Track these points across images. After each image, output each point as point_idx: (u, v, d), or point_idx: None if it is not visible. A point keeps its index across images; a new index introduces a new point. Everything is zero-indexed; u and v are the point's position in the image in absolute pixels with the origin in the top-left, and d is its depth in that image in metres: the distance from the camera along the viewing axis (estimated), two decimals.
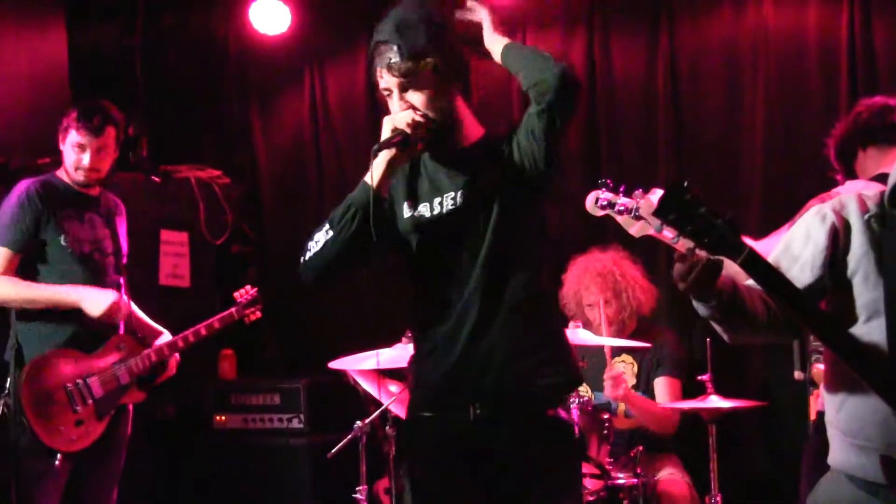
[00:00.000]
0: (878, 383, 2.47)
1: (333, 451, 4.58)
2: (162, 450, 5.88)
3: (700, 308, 2.58)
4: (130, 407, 4.63)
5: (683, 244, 2.43)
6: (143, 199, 5.85)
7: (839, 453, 2.65)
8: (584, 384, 5.16)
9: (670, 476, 4.90)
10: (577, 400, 4.34)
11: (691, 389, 4.90)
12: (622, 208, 3.56)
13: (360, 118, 6.67)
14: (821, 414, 3.12)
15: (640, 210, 3.64)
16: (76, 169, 4.49)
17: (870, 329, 2.55)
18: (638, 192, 3.61)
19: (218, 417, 6.05)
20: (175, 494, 5.94)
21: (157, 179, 6.20)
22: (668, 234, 2.47)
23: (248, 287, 4.85)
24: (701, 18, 5.86)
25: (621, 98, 6.05)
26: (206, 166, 6.63)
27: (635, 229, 3.79)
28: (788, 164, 5.54)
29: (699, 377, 4.59)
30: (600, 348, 4.98)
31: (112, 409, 4.45)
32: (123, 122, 4.63)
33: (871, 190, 2.76)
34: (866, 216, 2.61)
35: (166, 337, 4.68)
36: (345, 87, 6.73)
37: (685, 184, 2.37)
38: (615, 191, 3.65)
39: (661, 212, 2.37)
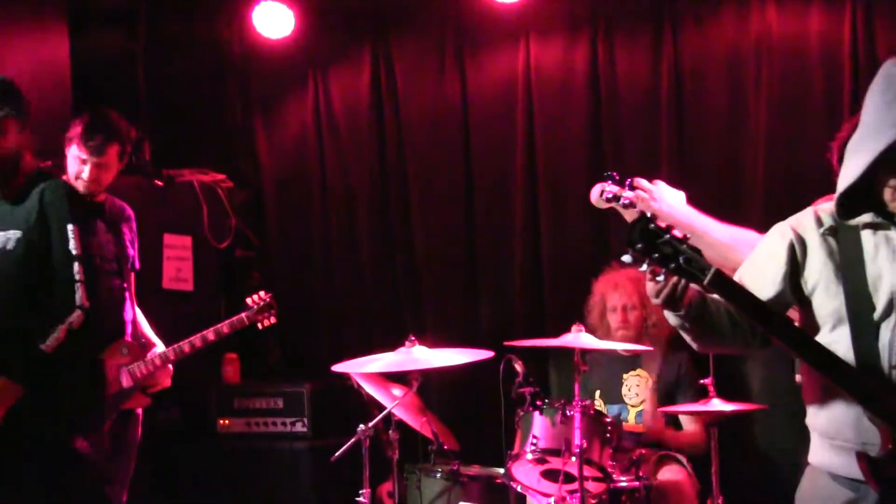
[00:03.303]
0: (848, 386, 2.57)
1: (336, 454, 4.59)
2: (166, 453, 5.89)
3: (670, 317, 2.74)
4: (140, 411, 4.64)
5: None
6: (146, 202, 5.84)
7: (821, 453, 2.75)
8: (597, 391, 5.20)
9: (675, 473, 4.92)
10: (578, 403, 4.34)
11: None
12: (627, 202, 3.58)
13: (363, 123, 6.68)
14: None
15: (634, 202, 3.67)
16: (76, 179, 4.50)
17: (835, 337, 2.67)
18: (629, 182, 3.63)
19: (221, 421, 6.06)
20: (178, 498, 5.95)
21: (160, 183, 6.21)
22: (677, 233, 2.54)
23: (262, 292, 4.85)
24: (704, 24, 5.87)
25: (625, 103, 6.05)
26: (210, 170, 6.65)
27: None
28: (791, 168, 5.54)
29: (701, 381, 4.60)
30: (613, 360, 5.01)
31: (114, 413, 4.46)
32: (128, 136, 4.63)
33: (828, 203, 2.84)
34: (821, 231, 2.75)
35: (159, 348, 4.68)
36: (348, 92, 6.73)
37: (649, 215, 2.49)
38: (621, 184, 3.66)
39: (629, 241, 2.50)
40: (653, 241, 2.47)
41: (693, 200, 5.76)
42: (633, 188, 3.62)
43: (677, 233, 2.48)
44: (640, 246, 2.48)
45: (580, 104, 6.13)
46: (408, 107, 6.57)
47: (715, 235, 3.52)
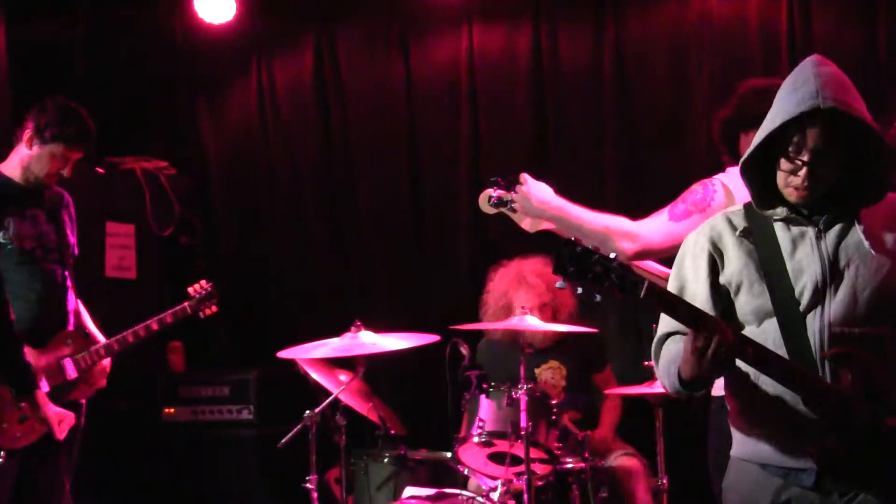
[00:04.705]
0: (780, 375, 2.61)
1: (283, 441, 4.58)
2: (111, 443, 5.84)
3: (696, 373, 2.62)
4: (84, 402, 4.60)
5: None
6: (87, 190, 5.78)
7: (748, 445, 2.78)
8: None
9: (624, 454, 4.96)
10: (524, 386, 4.37)
11: (638, 375, 4.95)
12: (512, 204, 3.62)
13: (307, 108, 6.67)
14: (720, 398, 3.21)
15: (514, 203, 3.70)
16: (49, 175, 4.45)
17: (764, 329, 2.71)
18: (514, 185, 3.66)
19: (167, 410, 6.03)
20: (125, 487, 5.90)
21: (101, 171, 6.15)
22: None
23: (204, 281, 4.83)
24: (646, 7, 5.93)
25: (568, 88, 6.10)
26: (153, 157, 6.59)
27: (528, 224, 3.83)
28: None
29: (646, 363, 4.63)
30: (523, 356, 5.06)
31: (60, 405, 4.42)
32: None
33: (735, 206, 2.90)
34: (737, 234, 2.79)
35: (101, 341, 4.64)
36: (292, 77, 6.72)
37: (573, 238, 2.50)
38: (507, 188, 3.69)
39: (558, 268, 2.50)
40: (583, 263, 2.48)
41: (637, 177, 5.87)
42: (515, 190, 3.66)
43: (604, 252, 2.50)
44: (571, 270, 2.48)
45: (524, 88, 6.16)
46: (352, 92, 6.57)
47: (589, 224, 3.55)
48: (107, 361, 4.62)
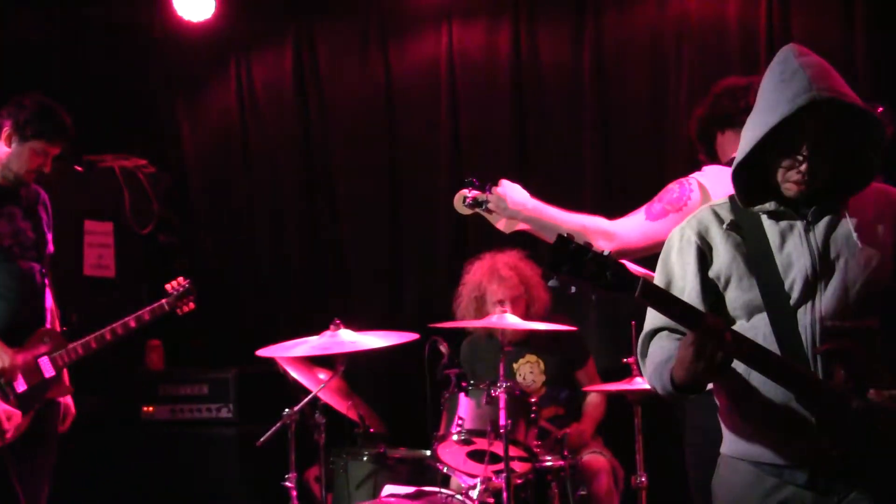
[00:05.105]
0: (774, 373, 2.58)
1: (262, 439, 4.57)
2: (90, 442, 5.82)
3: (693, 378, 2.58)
4: (69, 401, 4.59)
5: None
6: (65, 188, 5.75)
7: (739, 443, 2.76)
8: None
9: (592, 454, 4.97)
10: (503, 384, 4.37)
11: (617, 372, 4.96)
12: (487, 204, 3.63)
13: (287, 106, 6.66)
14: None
15: (489, 203, 3.71)
16: (29, 172, 4.44)
17: (754, 324, 2.69)
18: (489, 186, 3.67)
19: (146, 408, 6.01)
20: (104, 486, 5.88)
21: (79, 169, 6.12)
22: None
23: (181, 278, 4.81)
24: (625, 7, 5.94)
25: (548, 87, 6.11)
26: (131, 155, 6.57)
27: (503, 225, 3.84)
28: None
29: (625, 360, 4.65)
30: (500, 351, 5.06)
31: (38, 404, 4.40)
32: None
33: (721, 199, 2.86)
34: (724, 227, 2.76)
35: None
36: (271, 75, 6.71)
37: (566, 234, 2.45)
38: (482, 188, 3.70)
39: (553, 266, 2.45)
40: (578, 261, 2.43)
41: (616, 177, 5.88)
42: (491, 191, 3.67)
43: (598, 249, 2.45)
44: (566, 268, 2.43)
45: (503, 87, 6.17)
46: (332, 91, 6.56)
47: (565, 224, 3.55)
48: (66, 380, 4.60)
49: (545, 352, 5.23)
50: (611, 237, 3.50)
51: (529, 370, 5.18)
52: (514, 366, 5.21)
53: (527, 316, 5.10)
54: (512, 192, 3.67)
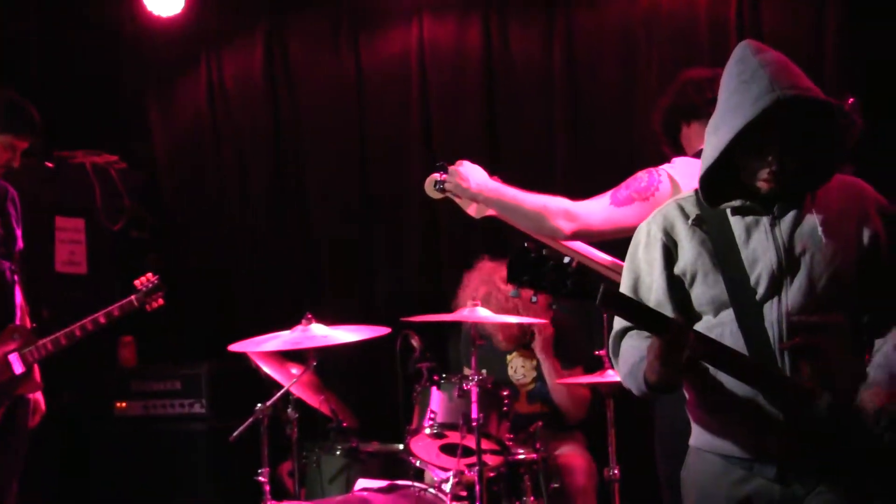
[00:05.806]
0: (738, 370, 2.61)
1: (234, 434, 4.57)
2: (62, 437, 5.81)
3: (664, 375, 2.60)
4: (38, 397, 4.57)
5: None
6: (36, 185, 5.74)
7: (707, 436, 2.78)
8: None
9: (571, 451, 4.98)
10: (476, 377, 4.38)
11: (590, 364, 4.97)
12: (448, 186, 3.64)
13: (257, 102, 6.64)
14: None
15: (446, 184, 3.73)
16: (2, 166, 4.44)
17: (721, 320, 2.70)
18: (443, 163, 3.69)
19: (118, 404, 5.99)
20: (77, 482, 5.88)
21: (50, 165, 6.10)
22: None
23: (150, 274, 4.80)
24: (596, 0, 5.95)
25: (519, 80, 6.11)
26: (102, 151, 6.54)
27: (473, 210, 3.86)
28: None
29: (597, 352, 4.66)
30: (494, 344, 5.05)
31: (7, 400, 4.39)
32: None
33: (686, 192, 2.87)
34: (689, 222, 2.76)
35: None
36: (242, 70, 6.69)
37: (526, 244, 2.48)
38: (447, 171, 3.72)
39: (513, 277, 2.48)
40: (538, 271, 2.46)
41: (587, 170, 5.89)
42: (447, 170, 3.69)
43: (559, 259, 2.47)
44: (526, 279, 2.47)
45: (475, 81, 6.17)
46: (302, 86, 6.55)
47: (526, 205, 3.56)
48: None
49: (538, 346, 5.20)
50: (573, 217, 3.50)
51: (521, 364, 5.17)
52: (508, 357, 5.18)
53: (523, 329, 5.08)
54: (472, 173, 3.68)
